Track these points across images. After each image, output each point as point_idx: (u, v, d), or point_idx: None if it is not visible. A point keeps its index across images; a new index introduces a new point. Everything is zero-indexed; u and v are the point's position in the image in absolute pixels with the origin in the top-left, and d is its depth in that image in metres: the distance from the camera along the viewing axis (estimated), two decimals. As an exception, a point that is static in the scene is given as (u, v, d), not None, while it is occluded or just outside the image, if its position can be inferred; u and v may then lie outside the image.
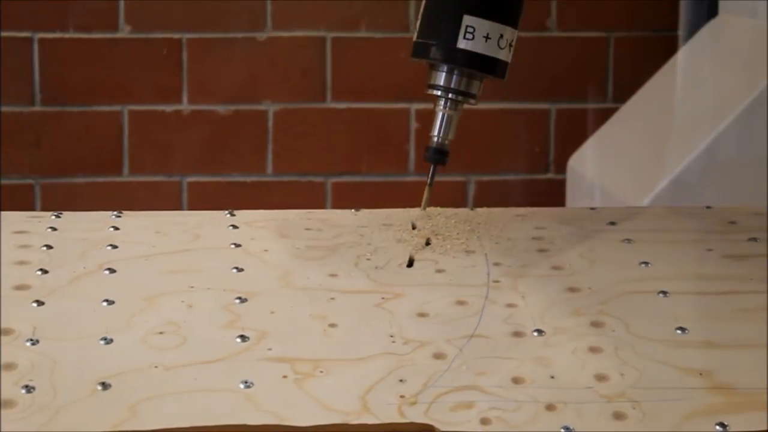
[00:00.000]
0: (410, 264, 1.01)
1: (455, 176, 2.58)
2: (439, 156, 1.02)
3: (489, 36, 1.00)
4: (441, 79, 1.02)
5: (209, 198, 2.55)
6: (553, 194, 2.59)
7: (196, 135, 2.54)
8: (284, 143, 2.57)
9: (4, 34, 2.46)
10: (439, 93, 1.02)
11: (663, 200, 2.05)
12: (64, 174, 2.52)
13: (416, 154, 2.58)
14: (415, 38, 1.02)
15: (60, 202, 2.49)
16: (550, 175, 2.63)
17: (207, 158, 2.56)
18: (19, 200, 2.50)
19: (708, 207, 1.15)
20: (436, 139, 1.02)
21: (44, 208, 2.47)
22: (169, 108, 2.53)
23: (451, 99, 1.02)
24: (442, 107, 1.02)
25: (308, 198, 2.56)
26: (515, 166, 2.62)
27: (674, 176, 2.07)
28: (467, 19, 0.99)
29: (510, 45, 1.02)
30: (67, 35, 2.49)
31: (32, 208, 2.51)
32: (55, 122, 2.51)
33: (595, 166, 2.39)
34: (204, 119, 2.55)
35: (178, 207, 2.55)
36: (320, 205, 2.56)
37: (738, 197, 1.98)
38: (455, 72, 1.01)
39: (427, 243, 1.02)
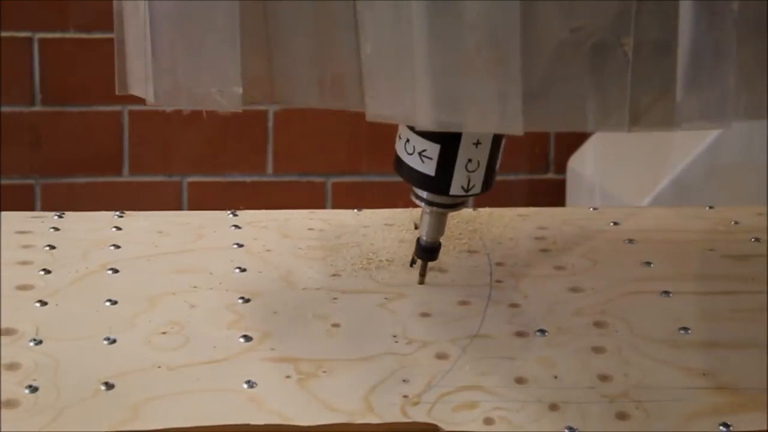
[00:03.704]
0: (413, 264, 1.01)
1: (455, 176, 2.58)
2: (430, 254, 1.00)
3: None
4: (423, 193, 0.97)
5: (209, 198, 2.55)
6: (553, 194, 2.59)
7: (196, 135, 2.54)
8: (284, 143, 2.57)
9: (4, 34, 2.46)
10: (423, 204, 0.97)
11: (663, 200, 2.05)
12: (64, 174, 2.52)
13: (416, 154, 2.57)
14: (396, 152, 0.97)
15: (60, 202, 2.49)
16: (550, 175, 2.63)
17: (207, 158, 2.56)
18: (19, 200, 2.50)
19: (710, 207, 1.15)
20: (425, 238, 0.99)
21: (44, 208, 2.47)
22: (169, 108, 2.53)
23: (435, 211, 0.98)
24: (428, 213, 0.98)
25: (308, 198, 2.56)
26: (515, 166, 2.62)
27: (675, 176, 2.07)
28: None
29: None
30: (67, 35, 2.49)
31: (32, 208, 2.51)
32: (55, 122, 2.50)
33: (595, 166, 2.39)
34: (204, 119, 2.55)
35: (178, 207, 2.54)
36: (320, 205, 2.55)
37: (739, 198, 1.98)
38: None
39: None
